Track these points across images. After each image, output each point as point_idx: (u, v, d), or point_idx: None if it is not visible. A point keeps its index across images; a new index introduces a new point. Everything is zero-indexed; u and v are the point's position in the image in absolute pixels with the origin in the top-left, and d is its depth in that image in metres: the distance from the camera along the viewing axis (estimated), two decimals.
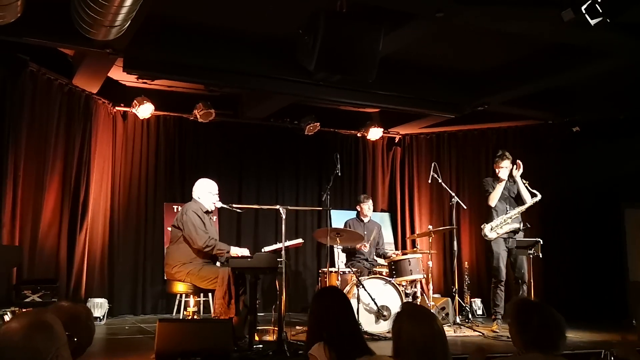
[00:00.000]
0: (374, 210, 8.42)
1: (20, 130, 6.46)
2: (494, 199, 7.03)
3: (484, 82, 7.91)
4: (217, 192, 6.16)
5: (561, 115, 8.83)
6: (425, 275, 7.25)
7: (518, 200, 7.06)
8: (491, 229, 6.95)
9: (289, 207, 6.16)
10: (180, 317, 7.02)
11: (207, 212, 6.07)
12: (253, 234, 9.11)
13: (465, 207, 7.90)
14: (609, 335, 6.53)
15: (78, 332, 2.16)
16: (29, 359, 1.76)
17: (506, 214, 6.96)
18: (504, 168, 7.05)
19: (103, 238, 7.99)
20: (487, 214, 7.12)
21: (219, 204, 6.14)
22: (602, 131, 8.58)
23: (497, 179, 7.10)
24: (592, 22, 4.65)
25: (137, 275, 8.32)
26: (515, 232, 6.94)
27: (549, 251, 7.10)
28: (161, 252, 8.04)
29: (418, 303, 6.69)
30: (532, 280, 6.70)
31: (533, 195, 6.95)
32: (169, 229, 6.28)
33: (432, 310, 5.47)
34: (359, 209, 8.01)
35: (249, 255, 5.71)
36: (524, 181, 6.97)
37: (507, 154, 7.14)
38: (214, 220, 7.99)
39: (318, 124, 9.11)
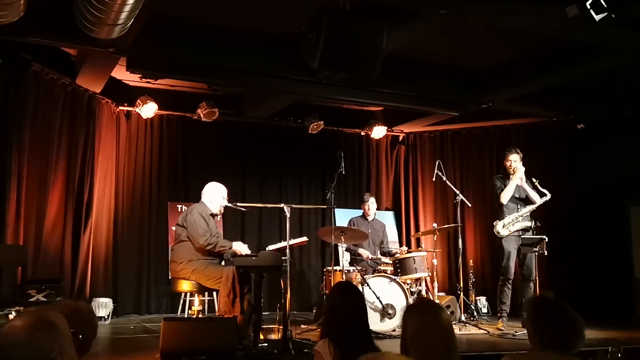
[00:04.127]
0: (378, 209, 8.42)
1: (24, 130, 6.46)
2: (505, 196, 6.98)
3: (488, 80, 7.89)
4: (227, 196, 6.18)
5: (565, 113, 8.81)
6: (430, 274, 7.23)
7: (527, 201, 7.02)
8: (503, 226, 6.92)
9: (293, 206, 6.14)
10: (185, 316, 7.02)
11: (212, 215, 6.07)
12: (257, 232, 9.11)
13: (469, 205, 7.88)
14: (615, 333, 6.52)
15: (80, 326, 2.15)
16: (33, 357, 1.75)
17: (517, 212, 6.93)
18: (515, 161, 7.01)
19: (107, 238, 8.00)
20: (498, 212, 7.08)
21: (224, 202, 6.14)
22: (606, 128, 8.54)
23: (507, 176, 7.07)
24: (597, 17, 4.63)
25: (142, 274, 8.33)
26: (526, 230, 6.91)
27: (554, 249, 7.08)
28: (165, 252, 8.04)
29: None
30: (537, 278, 6.68)
31: (542, 194, 6.90)
32: (173, 228, 6.27)
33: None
34: (362, 208, 8.02)
35: (253, 253, 5.70)
36: (535, 180, 6.92)
37: (515, 148, 7.11)
38: (218, 219, 8.01)
39: (322, 122, 9.10)
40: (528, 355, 2.74)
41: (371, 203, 7.98)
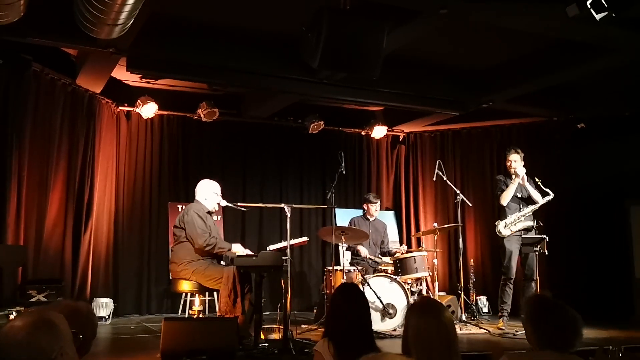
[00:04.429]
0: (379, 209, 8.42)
1: (24, 130, 6.45)
2: (506, 198, 6.98)
3: (489, 80, 7.88)
4: (220, 192, 6.17)
5: (566, 112, 8.80)
6: (430, 273, 7.23)
7: (529, 201, 7.02)
8: (505, 226, 6.92)
9: (294, 206, 6.14)
10: (186, 316, 7.02)
11: (209, 212, 6.08)
12: (258, 232, 9.11)
13: (470, 205, 7.88)
14: (615, 333, 6.52)
15: (80, 326, 2.14)
16: (33, 357, 1.75)
17: (519, 212, 6.93)
18: (516, 162, 7.01)
19: (108, 238, 8.00)
20: (500, 212, 7.08)
21: (224, 203, 6.15)
22: (607, 128, 8.53)
23: (509, 176, 7.07)
24: (598, 17, 4.62)
25: (142, 274, 8.33)
26: (528, 229, 6.91)
27: (554, 248, 7.06)
28: (166, 252, 8.04)
29: None
30: (537, 277, 6.68)
31: (545, 194, 6.89)
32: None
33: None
34: (365, 208, 8.01)
35: (254, 253, 5.70)
36: (537, 179, 6.91)
37: (515, 148, 7.11)
38: (218, 219, 8.03)
39: (322, 122, 9.10)
40: (527, 354, 2.74)
41: (378, 205, 7.99)
